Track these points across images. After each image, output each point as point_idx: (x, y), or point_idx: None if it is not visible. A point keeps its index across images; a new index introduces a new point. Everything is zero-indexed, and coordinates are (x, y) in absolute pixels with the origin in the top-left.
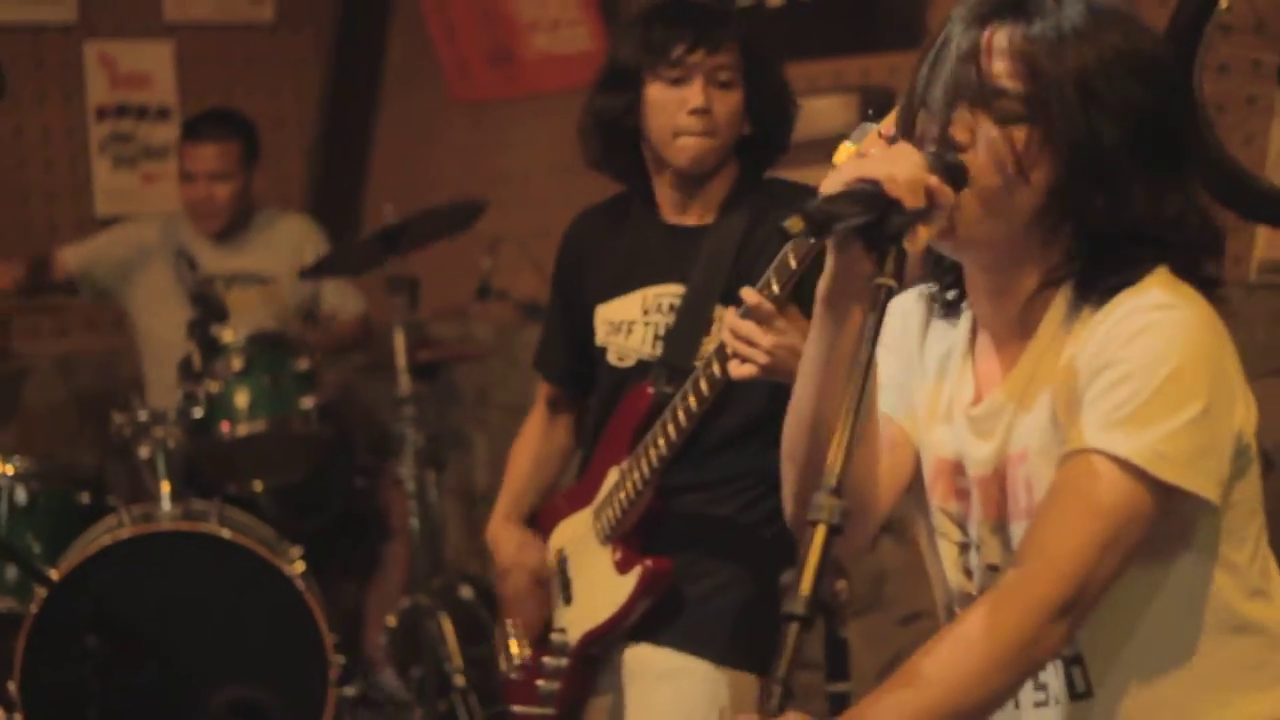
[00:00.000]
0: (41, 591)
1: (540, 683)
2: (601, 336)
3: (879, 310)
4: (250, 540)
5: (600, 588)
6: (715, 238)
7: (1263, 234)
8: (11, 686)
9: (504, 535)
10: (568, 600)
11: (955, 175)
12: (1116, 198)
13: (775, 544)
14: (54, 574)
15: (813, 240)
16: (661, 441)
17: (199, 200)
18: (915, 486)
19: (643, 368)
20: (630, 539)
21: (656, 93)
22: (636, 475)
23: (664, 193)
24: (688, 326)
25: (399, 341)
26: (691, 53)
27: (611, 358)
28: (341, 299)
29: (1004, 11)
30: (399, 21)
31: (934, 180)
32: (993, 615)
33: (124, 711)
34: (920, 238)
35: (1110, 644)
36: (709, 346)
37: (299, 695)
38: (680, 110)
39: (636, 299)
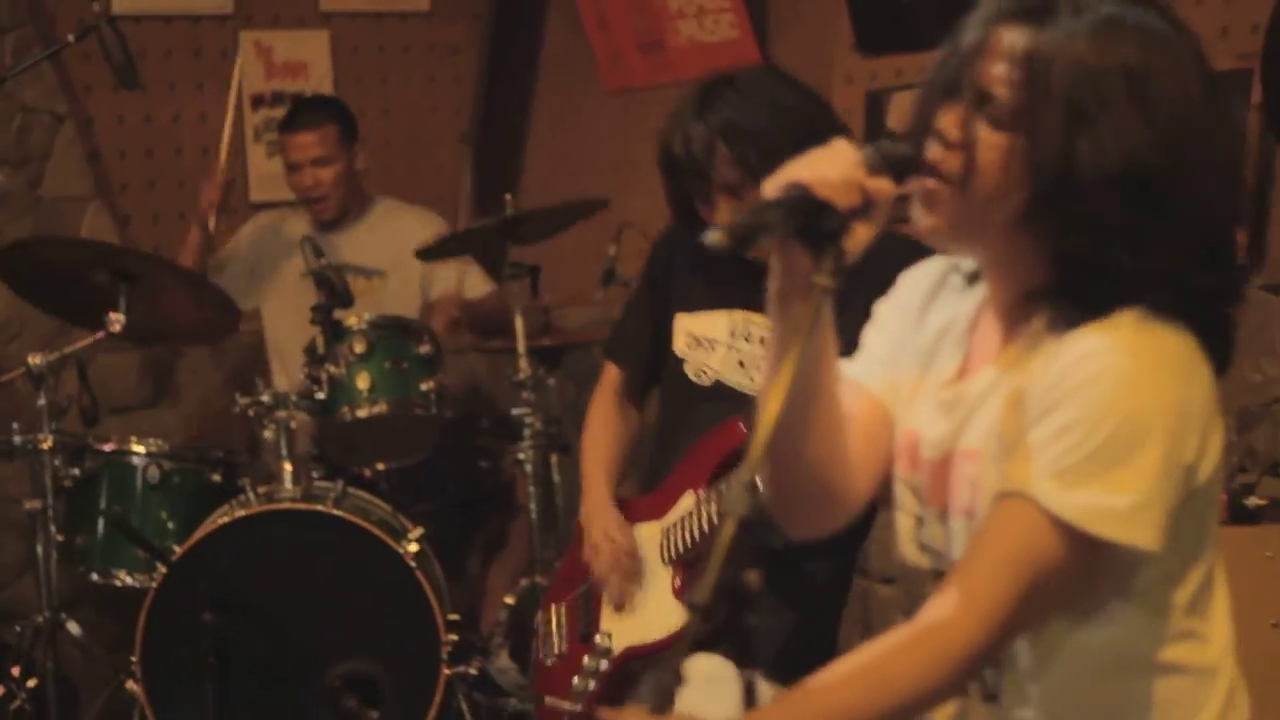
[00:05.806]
0: (162, 568)
1: (576, 679)
2: (680, 346)
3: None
4: (365, 520)
5: (654, 607)
6: None
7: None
8: (134, 659)
9: (608, 513)
10: (618, 607)
11: (903, 167)
12: (1086, 235)
13: (827, 580)
14: (177, 551)
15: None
16: None
17: (307, 187)
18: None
19: (720, 389)
20: (693, 567)
21: None
22: (715, 509)
23: None
24: None
25: (519, 326)
26: None
27: (689, 371)
28: (462, 281)
29: (1019, 12)
30: (554, 10)
31: (869, 180)
32: (911, 655)
33: (240, 685)
34: (860, 236)
35: (1026, 666)
36: None
37: (412, 673)
38: None
39: (723, 319)
